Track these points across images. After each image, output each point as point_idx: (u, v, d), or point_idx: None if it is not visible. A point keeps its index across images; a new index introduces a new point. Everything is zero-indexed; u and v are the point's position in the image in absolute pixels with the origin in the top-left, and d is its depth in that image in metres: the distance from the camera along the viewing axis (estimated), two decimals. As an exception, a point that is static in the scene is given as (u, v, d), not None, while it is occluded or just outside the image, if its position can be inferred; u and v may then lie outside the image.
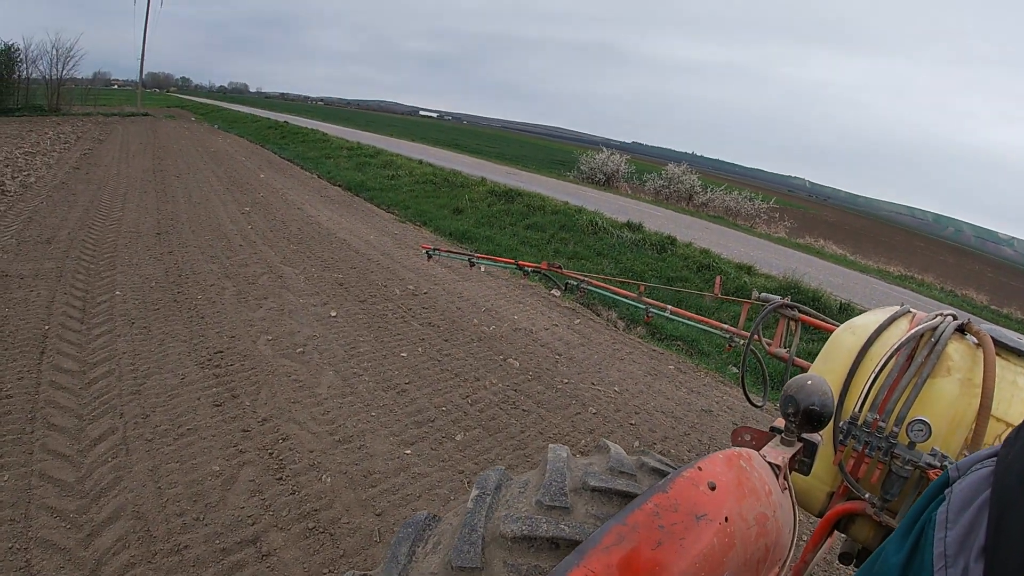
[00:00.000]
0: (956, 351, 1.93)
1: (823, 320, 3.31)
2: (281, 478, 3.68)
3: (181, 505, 3.33)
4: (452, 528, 1.13)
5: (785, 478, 1.34)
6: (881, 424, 1.86)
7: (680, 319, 4.41)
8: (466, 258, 5.28)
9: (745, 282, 10.26)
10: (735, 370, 6.75)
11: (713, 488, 1.02)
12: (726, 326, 4.08)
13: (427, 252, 5.43)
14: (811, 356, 3.16)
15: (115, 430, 3.94)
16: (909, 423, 1.74)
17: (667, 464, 1.43)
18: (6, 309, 5.56)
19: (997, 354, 1.86)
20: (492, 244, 10.95)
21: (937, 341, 1.91)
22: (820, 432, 1.43)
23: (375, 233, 10.88)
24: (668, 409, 5.47)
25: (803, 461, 1.46)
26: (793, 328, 3.44)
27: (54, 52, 35.74)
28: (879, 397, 1.89)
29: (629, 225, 13.01)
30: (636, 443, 4.75)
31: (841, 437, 1.93)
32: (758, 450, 1.39)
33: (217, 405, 4.38)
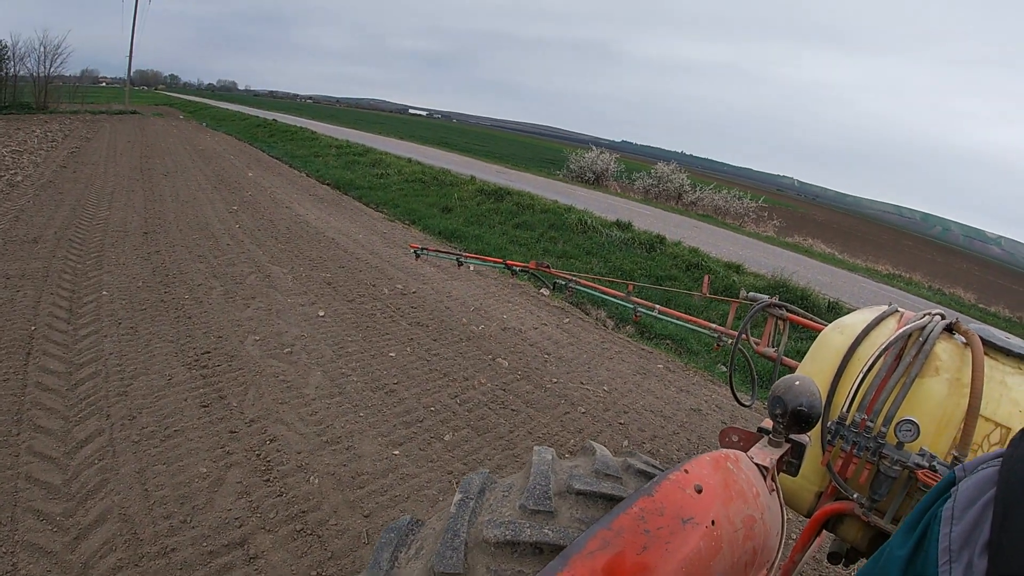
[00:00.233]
0: (944, 351, 1.93)
1: (811, 319, 3.31)
2: (268, 480, 3.66)
3: (168, 507, 3.31)
4: (435, 533, 1.12)
5: (773, 479, 1.34)
6: (869, 424, 1.86)
7: (668, 318, 4.41)
8: (454, 257, 5.27)
9: (734, 281, 10.29)
10: (723, 369, 6.77)
11: (700, 491, 1.01)
12: (714, 325, 4.09)
13: (415, 251, 5.41)
14: (799, 355, 3.17)
15: (101, 432, 3.91)
16: (897, 423, 1.74)
17: (653, 466, 1.42)
18: (-9, 310, 5.51)
19: (985, 353, 1.87)
20: (481, 243, 10.93)
21: (925, 341, 1.91)
22: (808, 432, 1.43)
23: (364, 232, 10.84)
24: (657, 408, 5.48)
25: (791, 462, 1.46)
26: (781, 327, 3.44)
27: (42, 49, 35.50)
28: (867, 397, 1.89)
29: (618, 224, 13.02)
30: (625, 443, 4.76)
31: (829, 437, 1.93)
32: (746, 451, 1.39)
33: (204, 406, 4.36)
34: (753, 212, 27.65)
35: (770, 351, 3.43)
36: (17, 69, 33.92)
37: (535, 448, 1.35)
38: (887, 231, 79.70)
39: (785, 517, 1.37)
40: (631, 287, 4.65)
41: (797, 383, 1.37)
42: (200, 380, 4.72)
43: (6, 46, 33.09)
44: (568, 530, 1.09)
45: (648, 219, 16.85)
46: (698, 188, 28.75)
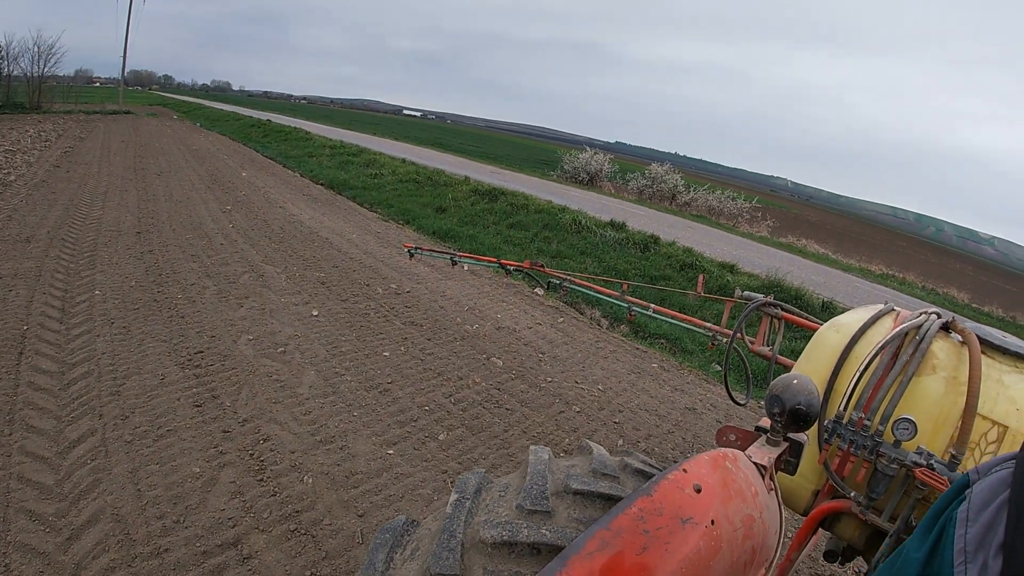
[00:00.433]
0: (941, 349, 1.93)
1: (806, 318, 3.31)
2: (262, 479, 3.64)
3: (161, 508, 3.29)
4: (431, 534, 1.11)
5: (771, 478, 1.34)
6: (866, 423, 1.86)
7: (663, 318, 4.41)
8: (448, 257, 5.25)
9: (728, 280, 10.30)
10: (718, 368, 6.77)
11: (699, 491, 1.01)
12: (709, 324, 4.08)
13: (409, 251, 5.40)
14: (794, 354, 3.17)
15: (94, 432, 3.88)
16: (895, 421, 1.74)
17: (651, 465, 1.41)
18: (-18, 309, 5.47)
19: (982, 352, 1.86)
20: (475, 243, 10.92)
21: (922, 339, 1.91)
22: (806, 431, 1.43)
23: (358, 232, 10.82)
24: (652, 407, 5.48)
25: (789, 461, 1.46)
26: (776, 326, 3.44)
27: (35, 49, 35.33)
28: (864, 395, 1.89)
29: (612, 224, 13.02)
30: (620, 441, 4.75)
31: (826, 436, 1.92)
32: (743, 450, 1.38)
33: (197, 406, 4.33)
34: (747, 213, 27.71)
35: (765, 350, 3.43)
36: (11, 69, 33.81)
37: (531, 447, 1.34)
38: (881, 231, 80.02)
39: (783, 516, 1.36)
40: (625, 286, 4.65)
41: (795, 382, 1.37)
42: (193, 380, 4.70)
43: (0, 46, 32.96)
44: (566, 530, 1.08)
45: (642, 219, 16.86)
46: (692, 189, 28.78)
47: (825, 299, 10.33)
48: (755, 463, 1.30)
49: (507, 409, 4.93)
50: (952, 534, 0.63)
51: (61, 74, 41.33)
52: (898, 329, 1.94)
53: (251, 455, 3.85)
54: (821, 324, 2.62)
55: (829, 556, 2.36)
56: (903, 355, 1.90)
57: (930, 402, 1.85)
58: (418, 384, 5.11)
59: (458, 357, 5.78)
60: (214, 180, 14.38)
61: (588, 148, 31.48)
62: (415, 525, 1.21)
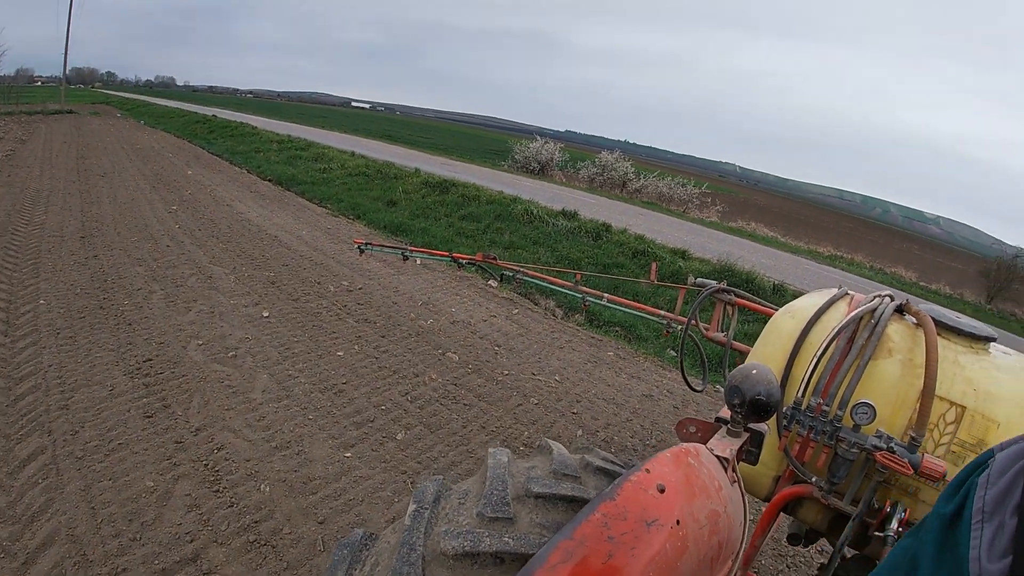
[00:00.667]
0: (896, 332, 1.96)
1: (760, 304, 3.34)
2: (218, 490, 3.53)
3: (117, 525, 3.16)
4: (390, 547, 1.07)
5: (734, 470, 1.33)
6: (825, 408, 1.87)
7: (617, 307, 4.42)
8: (400, 252, 5.17)
9: (680, 266, 10.42)
10: (673, 354, 6.85)
11: (662, 491, 0.99)
12: (663, 312, 4.10)
13: (359, 247, 5.30)
14: (747, 338, 3.21)
15: (44, 449, 3.71)
16: (853, 406, 1.76)
17: (612, 462, 1.39)
18: (-91, 322, 5.20)
19: (937, 334, 1.89)
20: (427, 236, 10.84)
21: (877, 323, 1.93)
22: (766, 421, 1.42)
23: (307, 228, 10.62)
24: (609, 396, 5.50)
25: (751, 451, 1.45)
26: (730, 312, 3.47)
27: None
28: (822, 381, 1.90)
29: (564, 213, 13.04)
30: (579, 432, 4.76)
31: (785, 423, 1.93)
32: (705, 443, 1.38)
33: (148, 416, 4.18)
34: (697, 198, 28.11)
35: (720, 336, 3.46)
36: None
37: (490, 450, 1.31)
38: (828, 214, 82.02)
39: (747, 506, 1.36)
40: (579, 276, 4.64)
41: (754, 372, 1.36)
42: (143, 389, 4.53)
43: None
44: (529, 536, 1.05)
45: (593, 208, 16.94)
46: (642, 176, 29.06)
47: (776, 282, 10.53)
48: (717, 456, 1.28)
49: (465, 405, 4.89)
50: (972, 497, 0.67)
51: (1, 74, 39.63)
52: (853, 313, 1.96)
53: (205, 465, 3.73)
54: (775, 309, 2.64)
55: (792, 539, 2.38)
56: (859, 339, 1.92)
57: (887, 385, 1.87)
58: (373, 383, 5.03)
59: (413, 353, 5.72)
60: (159, 180, 13.93)
61: (538, 137, 31.52)
62: (373, 539, 1.17)
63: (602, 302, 4.41)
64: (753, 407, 1.35)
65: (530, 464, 1.28)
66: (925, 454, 1.70)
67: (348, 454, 4.01)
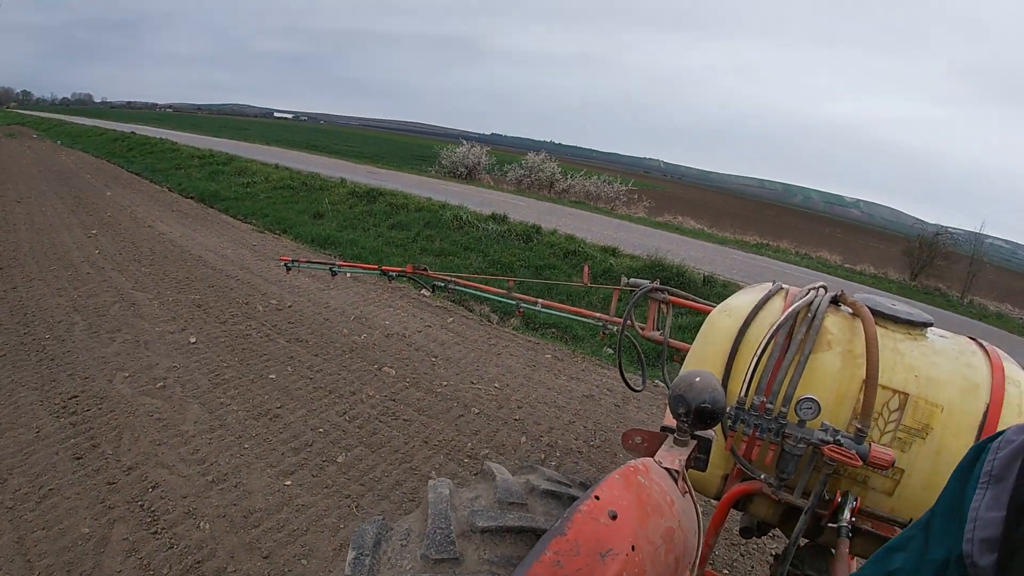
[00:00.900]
0: (834, 324, 1.97)
1: (694, 301, 3.36)
2: (156, 532, 3.33)
3: (54, 577, 2.95)
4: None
5: (684, 480, 1.30)
6: (769, 406, 1.87)
7: (553, 311, 4.39)
8: (328, 267, 5.03)
9: (611, 264, 10.52)
10: (611, 351, 6.88)
11: (614, 517, 0.94)
12: (599, 314, 4.10)
13: (286, 264, 5.13)
14: (681, 331, 3.23)
15: (-30, 500, 3.44)
16: (798, 402, 1.76)
17: (558, 481, 1.34)
18: None
19: (875, 323, 1.91)
20: (357, 247, 10.64)
21: (814, 316, 1.94)
22: (712, 427, 1.40)
23: (232, 246, 10.28)
24: (550, 399, 5.48)
25: (699, 458, 1.43)
26: (665, 311, 3.48)
27: None
28: (763, 379, 1.90)
29: (494, 217, 13.01)
30: (523, 438, 4.72)
31: (730, 422, 1.93)
32: (652, 454, 1.34)
33: (78, 458, 3.91)
34: (623, 195, 28.53)
35: (656, 335, 3.47)
36: None
37: (430, 483, 1.24)
38: (751, 203, 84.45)
39: (700, 514, 1.33)
40: (511, 283, 4.60)
41: (698, 379, 1.34)
42: (70, 429, 4.24)
43: None
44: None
45: (523, 210, 16.97)
46: (569, 175, 29.31)
47: (706, 273, 10.73)
48: (666, 468, 1.25)
49: (405, 420, 4.79)
50: (983, 460, 0.73)
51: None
52: (790, 309, 1.97)
53: (141, 506, 3.52)
54: (710, 306, 2.65)
55: (745, 532, 2.40)
56: (797, 334, 1.93)
57: (829, 378, 1.88)
58: (309, 405, 4.86)
59: (348, 371, 5.57)
60: (78, 202, 13.23)
61: (464, 141, 31.47)
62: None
63: (536, 308, 4.38)
64: (699, 415, 1.33)
65: (473, 494, 1.22)
66: (872, 443, 1.72)
67: (288, 482, 3.85)
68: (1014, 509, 0.67)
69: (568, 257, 10.91)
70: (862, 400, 1.80)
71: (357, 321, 6.98)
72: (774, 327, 1.93)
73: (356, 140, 72.84)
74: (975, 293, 20.01)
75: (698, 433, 1.40)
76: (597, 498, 0.97)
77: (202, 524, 3.41)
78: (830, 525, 1.85)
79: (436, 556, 1.01)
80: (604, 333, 4.13)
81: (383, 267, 4.88)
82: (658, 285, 3.44)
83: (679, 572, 1.08)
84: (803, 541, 2.06)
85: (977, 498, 0.70)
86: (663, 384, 4.08)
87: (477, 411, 5.07)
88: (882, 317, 2.00)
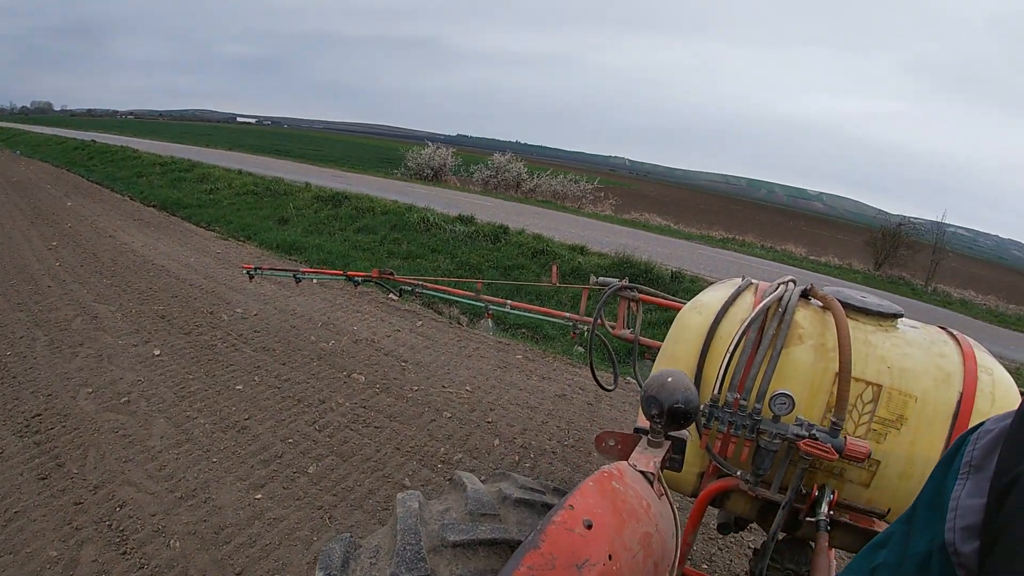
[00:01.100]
0: (805, 318, 1.97)
1: (664, 298, 3.36)
2: (125, 552, 3.23)
3: (19, 605, 2.85)
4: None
5: (659, 481, 1.27)
6: (743, 403, 1.87)
7: (522, 312, 4.37)
8: (292, 274, 4.94)
9: (580, 263, 10.53)
10: (581, 350, 6.87)
11: (589, 527, 0.91)
12: (569, 314, 4.09)
13: (249, 272, 5.03)
14: (650, 327, 3.23)
15: (-69, 527, 3.31)
16: (771, 397, 1.76)
17: (531, 488, 1.31)
18: None
19: (845, 315, 1.92)
20: (323, 252, 10.52)
21: (785, 311, 1.94)
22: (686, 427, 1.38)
23: (195, 254, 10.08)
24: (522, 400, 5.46)
25: (674, 458, 1.41)
26: (635, 308, 3.47)
27: None
28: (736, 376, 1.89)
29: (461, 218, 12.96)
30: (496, 441, 4.68)
31: (704, 421, 1.92)
32: (626, 457, 1.32)
33: (43, 478, 3.78)
34: (590, 194, 28.65)
35: (627, 333, 3.46)
36: None
37: (398, 496, 1.20)
38: (716, 199, 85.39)
39: (677, 515, 1.31)
40: (480, 285, 4.56)
41: (670, 379, 1.31)
42: (34, 448, 4.10)
43: None
44: (449, 593, 0.95)
45: (490, 210, 16.93)
46: (535, 175, 29.34)
47: (674, 269, 10.79)
48: (641, 472, 1.22)
49: (376, 427, 4.72)
50: (964, 450, 0.73)
51: None
52: (761, 305, 1.96)
53: (109, 526, 3.41)
54: (680, 302, 2.64)
55: (722, 528, 2.40)
56: (768, 330, 1.92)
57: (802, 372, 1.88)
58: (278, 415, 4.77)
59: (317, 379, 5.48)
60: (37, 213, 12.86)
61: (430, 143, 31.35)
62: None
63: (506, 309, 4.35)
64: (672, 416, 1.30)
65: (444, 507, 1.18)
66: (847, 436, 1.72)
67: (259, 495, 3.77)
68: (994, 496, 0.66)
69: (536, 257, 10.90)
70: (836, 393, 1.80)
71: (324, 328, 6.89)
72: (745, 323, 1.92)
73: (320, 144, 72.20)
74: (939, 281, 20.46)
75: (672, 434, 1.38)
76: (571, 507, 0.94)
77: (172, 542, 3.32)
78: (808, 519, 1.85)
79: (406, 574, 0.97)
80: (575, 333, 4.11)
81: (349, 272, 4.81)
82: (627, 283, 3.43)
83: (658, 574, 1.06)
84: (782, 535, 2.06)
85: (958, 488, 0.70)
86: (635, 382, 4.07)
87: (449, 415, 5.02)
88: (853, 310, 2.01)
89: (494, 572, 0.98)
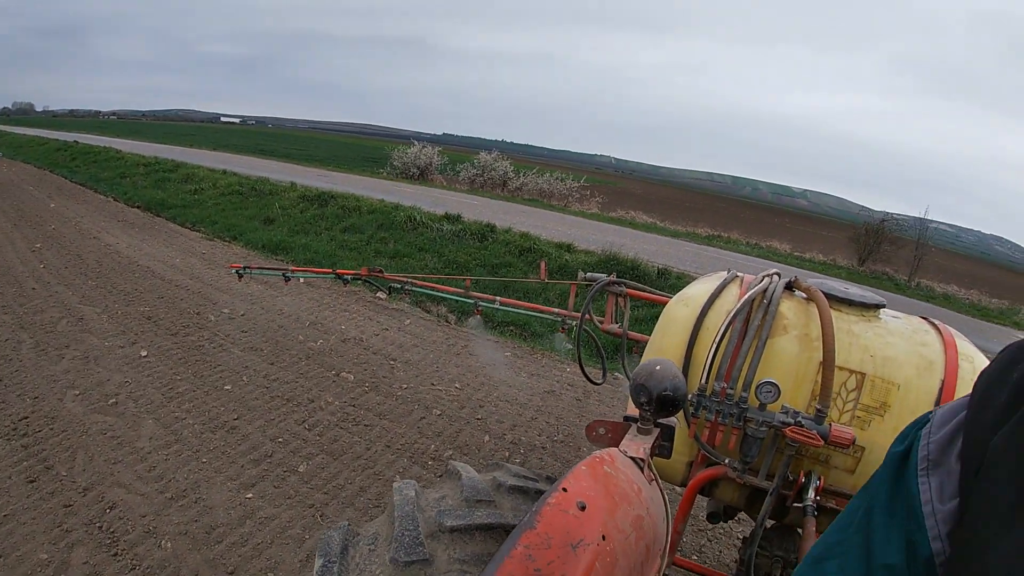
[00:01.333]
0: (789, 309, 2.02)
1: (651, 292, 3.39)
2: (116, 553, 3.22)
3: (12, 610, 2.83)
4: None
5: (649, 468, 1.31)
6: (730, 392, 1.91)
7: (511, 308, 4.39)
8: (281, 273, 4.94)
9: (567, 260, 10.55)
10: (570, 346, 6.90)
11: (583, 508, 0.94)
12: (557, 310, 4.11)
13: (237, 271, 5.02)
14: (638, 322, 3.27)
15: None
16: (757, 386, 1.79)
17: (525, 476, 1.33)
18: None
19: (829, 306, 1.96)
20: (309, 252, 10.49)
21: (770, 302, 1.98)
22: (674, 415, 1.41)
23: (181, 255, 10.03)
24: (512, 396, 5.48)
25: (663, 445, 1.44)
26: (622, 304, 3.50)
27: None
28: (723, 365, 1.93)
29: (448, 217, 12.96)
30: (486, 437, 4.70)
31: (692, 410, 1.95)
32: (616, 444, 1.35)
33: (31, 481, 3.76)
34: (576, 192, 28.67)
35: (615, 328, 3.49)
36: None
37: (395, 485, 1.22)
38: (702, 196, 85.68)
39: (667, 500, 1.34)
40: (468, 282, 4.58)
41: (658, 368, 1.35)
42: (22, 451, 4.08)
43: None
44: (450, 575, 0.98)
45: (477, 209, 16.93)
46: (522, 174, 29.32)
47: (660, 266, 10.85)
48: (632, 458, 1.26)
49: (366, 425, 4.73)
50: (917, 447, 0.69)
51: None
52: (746, 296, 2.00)
53: (99, 528, 3.40)
54: (667, 296, 2.67)
55: (712, 517, 2.43)
56: (754, 320, 1.96)
57: (787, 361, 1.92)
58: (267, 415, 4.77)
59: (306, 378, 5.48)
60: (20, 216, 12.72)
61: (416, 142, 31.28)
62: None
63: (495, 306, 4.37)
64: (661, 403, 1.34)
65: (439, 494, 1.21)
66: (832, 423, 1.76)
67: (249, 495, 3.77)
68: (966, 490, 0.63)
69: (524, 255, 10.92)
70: (820, 382, 1.84)
71: (313, 327, 6.88)
72: (731, 314, 1.96)
73: (306, 143, 71.81)
74: (922, 276, 20.64)
75: (661, 421, 1.41)
76: (565, 490, 0.97)
77: (163, 543, 3.32)
78: (795, 505, 1.89)
79: (405, 559, 0.99)
80: (564, 328, 4.14)
81: (337, 271, 4.81)
82: (615, 279, 3.46)
83: (650, 558, 1.09)
84: (770, 523, 2.10)
85: (924, 491, 0.66)
86: (623, 376, 4.11)
87: (439, 413, 5.04)
88: (836, 300, 2.05)
89: (490, 556, 1.01)
